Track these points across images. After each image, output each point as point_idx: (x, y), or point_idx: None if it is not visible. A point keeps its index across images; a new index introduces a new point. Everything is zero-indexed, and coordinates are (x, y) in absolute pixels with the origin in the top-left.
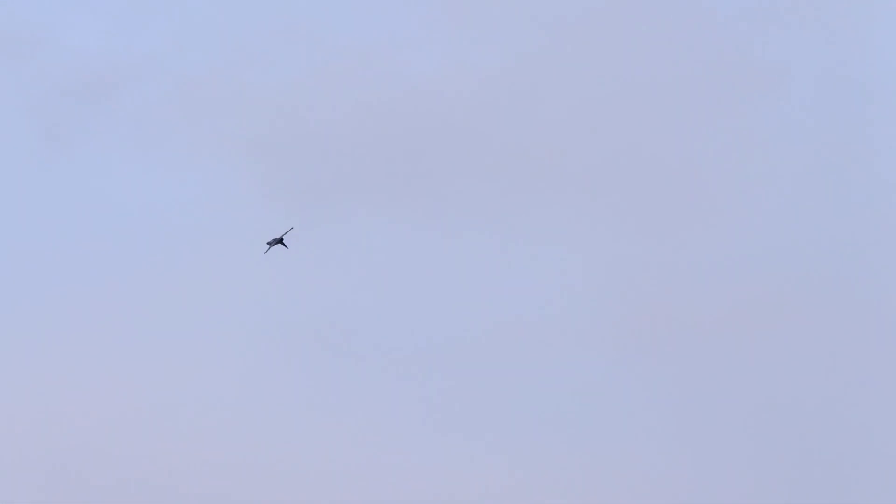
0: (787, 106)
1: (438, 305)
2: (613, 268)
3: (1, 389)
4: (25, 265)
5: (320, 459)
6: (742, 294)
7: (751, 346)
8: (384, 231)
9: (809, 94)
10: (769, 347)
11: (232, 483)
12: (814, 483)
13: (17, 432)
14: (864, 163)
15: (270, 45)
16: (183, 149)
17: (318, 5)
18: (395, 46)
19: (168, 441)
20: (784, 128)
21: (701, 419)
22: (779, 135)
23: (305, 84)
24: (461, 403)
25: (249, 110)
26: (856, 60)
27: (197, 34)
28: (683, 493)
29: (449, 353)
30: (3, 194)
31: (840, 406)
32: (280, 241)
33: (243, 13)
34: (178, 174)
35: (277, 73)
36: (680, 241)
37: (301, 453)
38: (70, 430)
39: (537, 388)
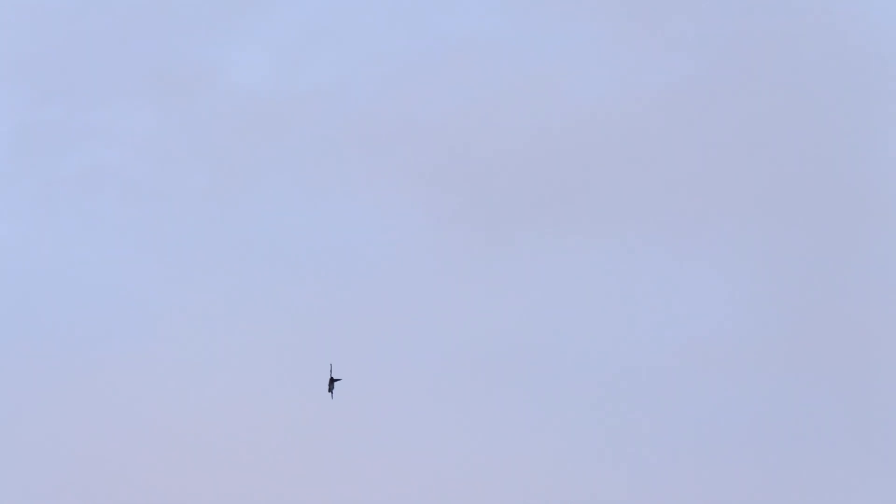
0: None
1: (611, 327)
2: (786, 287)
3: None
4: (198, 302)
5: (502, 483)
6: None
7: None
8: (556, 254)
9: None
10: None
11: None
12: None
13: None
14: None
15: (438, 74)
16: (354, 181)
17: (484, 34)
18: (561, 71)
19: (346, 462)
20: None
21: (874, 439)
22: None
23: (473, 111)
24: (633, 424)
25: (420, 140)
26: None
27: (364, 66)
28: None
29: (622, 375)
30: (177, 232)
31: None
32: (332, 382)
33: (410, 43)
34: (350, 207)
35: (446, 101)
36: (854, 256)
37: (489, 479)
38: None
39: (711, 410)
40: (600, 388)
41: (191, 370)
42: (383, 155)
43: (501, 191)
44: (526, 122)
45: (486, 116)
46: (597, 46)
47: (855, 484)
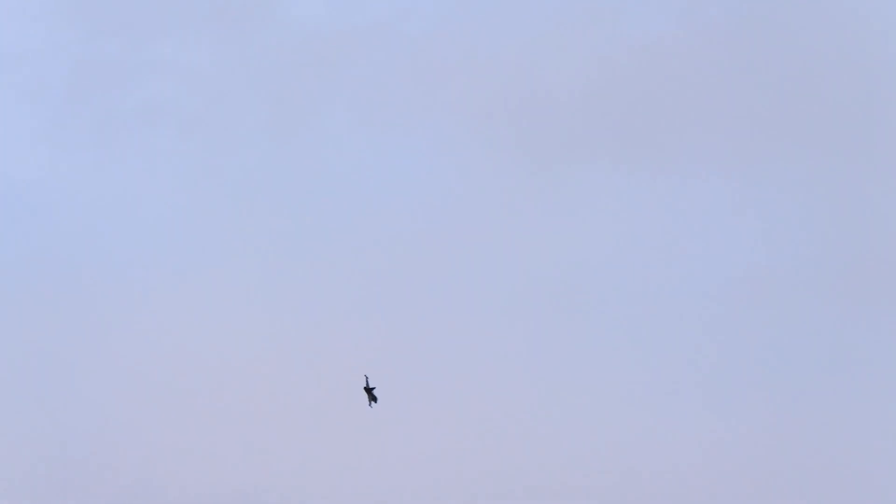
0: None
1: (673, 259)
2: (847, 216)
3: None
4: (254, 237)
5: (558, 417)
6: None
7: None
8: (612, 185)
9: None
10: None
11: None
12: None
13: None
14: None
15: (494, 6)
16: (412, 115)
17: None
18: (619, 2)
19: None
20: None
21: None
22: None
23: (533, 45)
24: (696, 356)
25: (477, 73)
26: None
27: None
28: None
29: (684, 305)
30: (234, 167)
31: None
32: (370, 390)
33: None
34: (407, 141)
35: (502, 33)
36: None
37: (542, 410)
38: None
39: (774, 340)
40: (658, 318)
41: (247, 306)
42: (441, 88)
43: (558, 123)
44: (583, 54)
45: (543, 48)
46: None
47: None
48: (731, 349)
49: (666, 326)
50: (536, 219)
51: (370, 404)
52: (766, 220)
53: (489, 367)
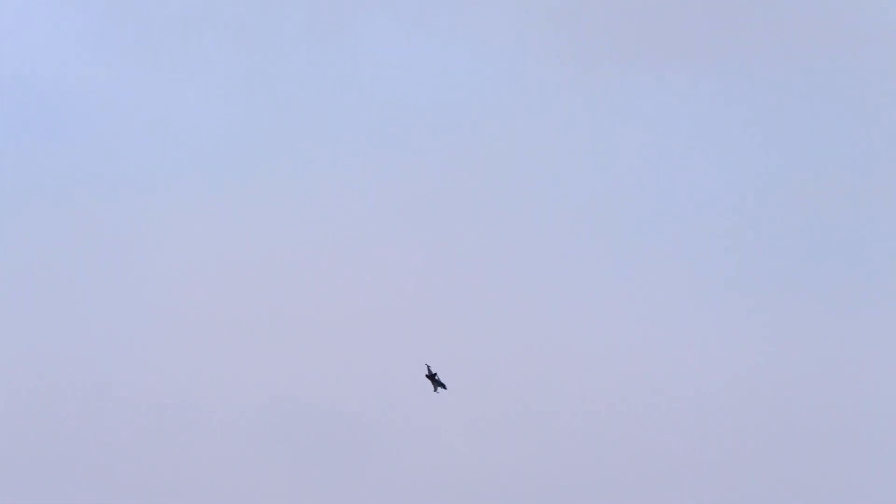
0: None
1: (708, 167)
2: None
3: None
4: (299, 139)
5: (600, 329)
6: None
7: None
8: (660, 94)
9: None
10: None
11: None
12: None
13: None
14: None
15: None
16: (455, 20)
17: None
18: None
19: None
20: None
21: None
22: None
23: None
24: (730, 265)
25: None
26: None
27: None
28: None
29: (720, 213)
30: (277, 71)
31: None
32: (433, 377)
33: None
34: (452, 45)
35: None
36: None
37: (589, 314)
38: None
39: (815, 247)
40: (708, 225)
41: (294, 209)
42: None
43: (608, 30)
44: None
45: None
46: None
47: None
48: (777, 252)
49: (701, 231)
50: (581, 124)
51: (436, 390)
52: (800, 130)
53: (527, 270)
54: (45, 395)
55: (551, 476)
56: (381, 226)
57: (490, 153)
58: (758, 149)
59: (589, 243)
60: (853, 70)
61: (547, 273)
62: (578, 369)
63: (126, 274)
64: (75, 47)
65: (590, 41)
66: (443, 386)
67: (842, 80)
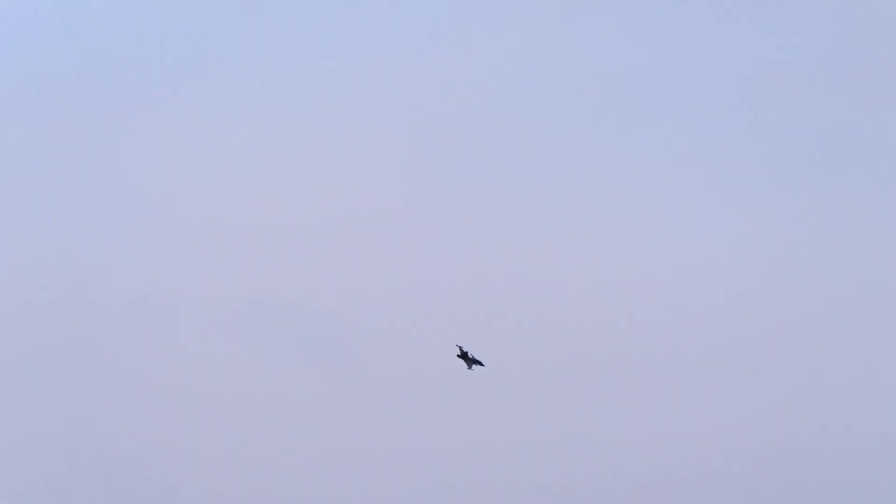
0: None
1: (697, 60)
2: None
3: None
4: (291, 51)
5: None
6: None
7: None
8: None
9: None
10: None
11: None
12: None
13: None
14: None
15: None
16: None
17: None
18: None
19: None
20: None
21: None
22: None
23: None
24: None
25: None
26: None
27: None
28: None
29: (713, 105)
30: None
31: None
32: (465, 357)
33: None
34: None
35: None
36: None
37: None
38: None
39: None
40: (707, 108)
41: (278, 114)
42: None
43: None
44: None
45: None
46: None
47: None
48: (772, 135)
49: (698, 120)
50: (566, 15)
51: (470, 368)
52: (794, 18)
53: (522, 159)
54: (35, 288)
55: (542, 380)
56: (367, 119)
57: (493, 45)
58: (749, 35)
59: (601, 129)
60: None
61: (542, 159)
62: (593, 268)
63: (115, 172)
64: None
65: None
66: (479, 363)
67: None
